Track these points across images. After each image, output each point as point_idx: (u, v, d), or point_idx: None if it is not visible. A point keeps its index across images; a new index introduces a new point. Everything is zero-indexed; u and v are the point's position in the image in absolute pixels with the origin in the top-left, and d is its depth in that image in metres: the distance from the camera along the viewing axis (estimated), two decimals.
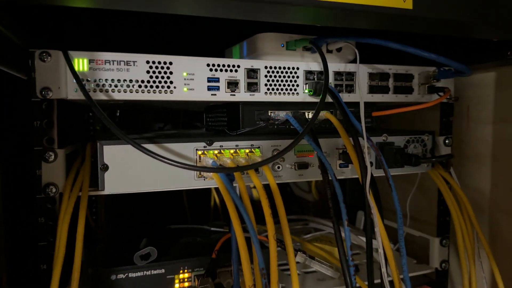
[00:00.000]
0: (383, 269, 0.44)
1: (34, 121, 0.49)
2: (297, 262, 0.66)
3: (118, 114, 0.98)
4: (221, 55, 0.70)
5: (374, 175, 0.59)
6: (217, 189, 1.03)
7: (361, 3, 0.40)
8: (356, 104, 0.56)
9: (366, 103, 0.62)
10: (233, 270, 0.49)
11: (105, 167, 0.49)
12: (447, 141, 0.69)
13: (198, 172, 0.52)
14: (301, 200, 1.18)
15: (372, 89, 0.62)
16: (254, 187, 0.84)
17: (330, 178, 0.52)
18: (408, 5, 0.42)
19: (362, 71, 0.62)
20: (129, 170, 0.50)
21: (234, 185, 0.49)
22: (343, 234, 0.47)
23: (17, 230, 0.54)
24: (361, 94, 0.59)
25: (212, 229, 0.76)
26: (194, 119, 1.02)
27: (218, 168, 0.46)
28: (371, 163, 0.60)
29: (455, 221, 0.65)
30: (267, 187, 0.49)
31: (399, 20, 0.45)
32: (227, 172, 0.46)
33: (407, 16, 0.42)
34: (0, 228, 0.36)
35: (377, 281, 0.52)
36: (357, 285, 0.60)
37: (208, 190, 1.05)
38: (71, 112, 0.68)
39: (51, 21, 0.59)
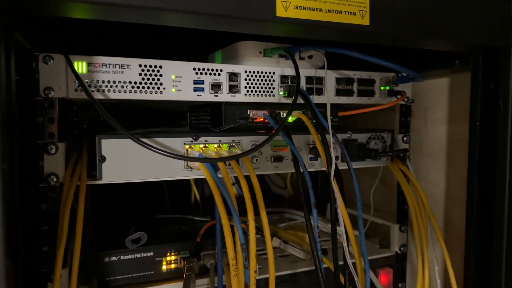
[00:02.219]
0: (345, 244, 0.52)
1: (37, 118, 0.55)
2: (274, 247, 0.74)
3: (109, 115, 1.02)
4: (205, 59, 0.77)
5: (340, 167, 0.67)
6: (197, 185, 1.10)
7: (326, 20, 0.48)
8: (325, 105, 0.64)
9: (333, 105, 0.70)
10: (217, 249, 0.56)
11: (103, 159, 0.55)
12: (405, 138, 0.78)
13: (185, 164, 0.59)
14: (277, 196, 1.26)
15: (339, 92, 0.70)
16: (234, 184, 0.91)
17: (301, 170, 0.60)
18: (366, 21, 0.50)
19: (330, 76, 0.70)
20: (124, 161, 0.56)
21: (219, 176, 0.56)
22: (312, 222, 0.54)
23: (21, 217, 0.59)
24: (328, 97, 0.67)
25: (196, 218, 0.83)
26: (177, 118, 1.07)
27: (204, 158, 0.53)
28: (337, 157, 0.69)
29: (411, 210, 0.74)
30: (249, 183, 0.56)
31: (359, 34, 0.53)
32: (212, 162, 0.53)
33: (365, 31, 0.50)
34: (16, 215, 0.41)
35: (342, 262, 0.60)
36: (324, 264, 0.68)
37: (189, 186, 1.11)
38: (65, 111, 0.74)
39: (54, 27, 0.64)
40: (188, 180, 1.09)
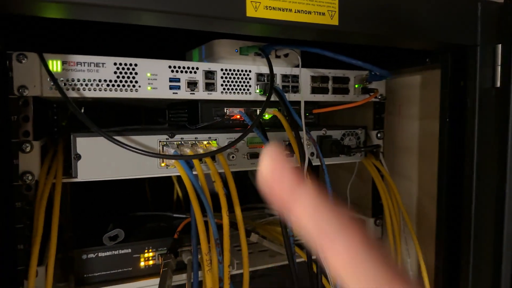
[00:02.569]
0: None
1: (11, 116, 0.55)
2: (252, 243, 0.75)
3: (82, 111, 1.02)
4: (182, 57, 0.78)
5: (315, 164, 0.69)
6: (179, 183, 1.10)
7: (296, 20, 0.49)
8: (300, 103, 0.65)
9: (309, 102, 0.72)
10: (192, 244, 0.57)
11: (78, 157, 0.55)
12: (379, 135, 0.80)
13: (161, 161, 0.59)
14: (259, 192, 1.28)
15: (314, 90, 0.72)
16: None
17: None
18: (335, 21, 0.51)
19: (305, 74, 0.71)
20: (100, 159, 0.56)
21: (194, 173, 0.57)
22: None
23: None
24: (302, 94, 0.68)
25: (175, 215, 0.83)
26: (156, 115, 1.08)
27: (178, 156, 0.54)
28: (313, 153, 0.70)
29: (384, 204, 0.76)
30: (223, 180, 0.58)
31: (329, 34, 0.54)
32: (186, 159, 0.54)
33: (334, 30, 0.52)
34: None
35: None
36: (300, 258, 0.70)
37: (171, 184, 1.11)
38: (41, 108, 0.74)
39: (27, 26, 0.64)
40: (170, 177, 1.09)
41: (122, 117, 1.11)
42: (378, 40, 0.62)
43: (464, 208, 0.68)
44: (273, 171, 0.22)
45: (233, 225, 0.62)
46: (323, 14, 0.50)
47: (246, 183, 1.26)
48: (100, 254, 0.63)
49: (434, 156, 0.77)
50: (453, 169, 0.70)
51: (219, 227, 0.56)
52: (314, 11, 0.50)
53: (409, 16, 0.59)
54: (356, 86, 0.75)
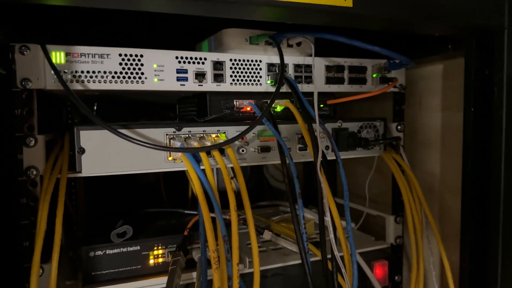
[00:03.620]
0: (331, 235, 0.51)
1: (15, 110, 0.53)
2: (266, 241, 0.73)
3: (95, 107, 1.02)
4: (192, 49, 0.75)
5: (329, 157, 0.65)
6: None
7: (307, 1, 0.46)
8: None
9: (323, 93, 0.68)
10: (200, 241, 0.55)
11: (82, 150, 0.53)
12: (399, 127, 0.76)
13: (168, 155, 0.57)
14: (275, 189, 1.25)
15: (329, 80, 0.68)
16: (233, 177, 0.90)
17: (287, 161, 0.58)
18: (349, 3, 0.48)
19: (320, 64, 0.68)
20: (104, 153, 0.55)
21: (201, 168, 0.54)
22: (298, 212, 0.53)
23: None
24: (315, 85, 0.65)
25: (186, 212, 0.81)
26: (169, 111, 1.06)
27: (184, 148, 0.52)
28: (328, 147, 0.67)
29: (405, 200, 0.72)
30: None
31: (342, 17, 0.51)
32: (192, 152, 0.51)
33: (348, 13, 0.48)
34: None
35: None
36: (315, 256, 0.66)
37: (186, 181, 1.09)
38: (51, 104, 0.73)
39: (29, 16, 0.63)
40: (184, 174, 1.08)
41: (134, 114, 1.10)
42: (395, 25, 0.59)
43: (492, 204, 0.63)
44: None
45: (245, 221, 0.59)
46: None
47: (262, 179, 1.24)
48: (108, 252, 0.62)
49: (457, 149, 0.72)
50: (479, 163, 0.65)
51: (229, 224, 0.53)
52: None
53: None
54: (374, 75, 0.71)
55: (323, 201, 0.52)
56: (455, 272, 0.70)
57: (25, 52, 0.52)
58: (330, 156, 0.66)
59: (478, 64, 0.64)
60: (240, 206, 0.55)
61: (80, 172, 0.54)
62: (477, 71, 0.65)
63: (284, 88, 0.63)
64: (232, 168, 0.63)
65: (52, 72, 0.53)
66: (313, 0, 0.46)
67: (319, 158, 0.54)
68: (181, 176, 1.08)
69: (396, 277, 0.80)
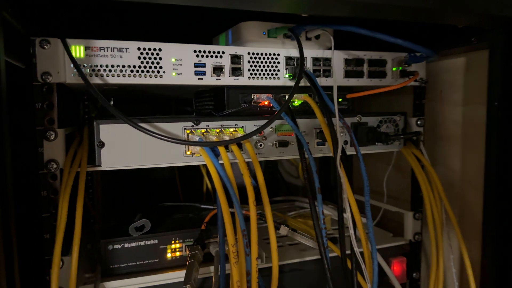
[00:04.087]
0: (351, 231, 0.50)
1: (35, 103, 0.54)
2: (282, 236, 0.72)
3: (112, 102, 1.02)
4: (209, 43, 0.75)
5: (349, 152, 0.64)
6: (209, 174, 1.08)
7: None
8: (333, 88, 0.61)
9: (342, 87, 0.67)
10: (219, 236, 0.55)
11: (101, 144, 0.54)
12: (419, 122, 0.75)
13: (187, 149, 0.57)
14: (290, 184, 1.24)
15: (348, 74, 0.67)
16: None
17: (306, 156, 0.58)
18: None
19: (338, 57, 0.67)
20: (124, 147, 0.55)
21: (220, 162, 0.54)
22: (317, 207, 0.52)
23: (20, 204, 0.59)
24: (335, 78, 0.64)
25: (202, 206, 0.81)
26: (186, 105, 1.06)
27: (203, 142, 0.51)
28: (346, 142, 0.66)
29: (425, 195, 0.71)
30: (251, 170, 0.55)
31: (364, 8, 0.49)
32: (211, 146, 0.51)
33: (370, 3, 0.47)
34: (10, 202, 0.41)
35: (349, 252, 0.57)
36: (334, 253, 0.66)
37: (201, 176, 1.10)
38: (68, 98, 0.73)
39: (48, 9, 0.63)
40: (199, 169, 1.08)
41: (149, 108, 1.10)
42: (420, 15, 0.57)
43: None
44: None
45: (262, 216, 0.59)
46: None
47: (277, 175, 1.23)
48: (126, 245, 0.62)
49: (479, 144, 0.71)
50: (502, 158, 0.64)
51: (247, 218, 0.53)
52: None
53: None
54: (394, 69, 0.70)
55: (342, 196, 0.51)
56: (476, 269, 0.68)
57: (45, 46, 0.53)
58: (349, 151, 0.66)
59: (503, 57, 0.63)
60: (256, 201, 0.55)
61: (100, 166, 0.54)
62: (502, 64, 0.63)
63: (303, 82, 0.62)
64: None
65: (72, 66, 0.53)
66: None
67: (339, 153, 0.53)
68: (196, 170, 1.09)
69: (414, 274, 0.79)
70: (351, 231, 0.50)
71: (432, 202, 0.70)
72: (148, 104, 1.14)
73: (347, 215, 0.52)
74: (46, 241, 0.55)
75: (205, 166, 1.04)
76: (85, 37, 0.55)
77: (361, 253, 0.55)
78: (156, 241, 0.64)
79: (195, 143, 0.51)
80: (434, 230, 0.70)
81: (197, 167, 1.08)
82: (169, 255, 0.65)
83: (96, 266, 0.65)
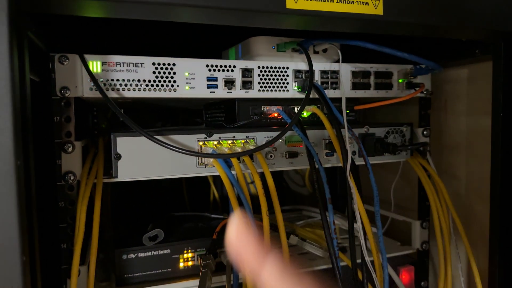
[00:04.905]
0: (362, 241, 0.51)
1: (54, 117, 0.56)
2: (291, 245, 0.73)
3: (122, 112, 1.04)
4: (218, 56, 0.77)
5: (357, 163, 0.66)
6: (216, 183, 1.10)
7: (337, 10, 0.46)
8: (341, 100, 0.63)
9: (349, 99, 0.69)
10: None
11: (118, 156, 0.55)
12: (425, 132, 0.76)
13: (200, 160, 0.58)
14: (296, 193, 1.25)
15: (355, 86, 0.69)
16: (252, 182, 0.91)
17: (316, 166, 0.59)
18: (379, 11, 0.49)
19: (346, 70, 0.68)
20: (140, 159, 0.56)
21: (232, 172, 0.56)
22: (328, 218, 0.53)
23: (39, 214, 0.60)
24: (343, 91, 0.65)
25: (213, 215, 0.83)
26: (194, 116, 1.08)
27: (217, 154, 0.53)
28: (354, 152, 0.67)
29: (432, 205, 0.72)
30: (263, 181, 0.56)
31: (372, 25, 0.51)
32: (225, 158, 0.52)
33: (379, 21, 0.49)
34: (31, 211, 0.42)
35: (359, 261, 0.59)
36: (343, 262, 0.67)
37: (208, 185, 1.11)
38: (83, 111, 0.75)
39: (67, 27, 0.65)
40: (206, 178, 1.09)
41: (159, 118, 1.12)
42: (424, 31, 0.59)
43: None
44: (241, 240, 0.24)
45: (272, 226, 0.60)
46: (367, 3, 0.47)
47: (283, 184, 1.25)
48: (140, 255, 0.64)
49: (484, 154, 0.72)
50: (508, 167, 0.65)
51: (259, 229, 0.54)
52: (357, 1, 0.47)
53: (459, 3, 0.55)
54: (400, 81, 0.71)
55: (353, 207, 0.52)
56: (484, 277, 0.69)
57: (64, 62, 0.54)
58: (357, 161, 0.67)
59: (507, 68, 0.64)
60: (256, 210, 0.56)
61: (117, 177, 0.55)
62: (506, 75, 0.64)
63: (311, 94, 0.64)
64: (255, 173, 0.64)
65: (89, 80, 0.55)
66: (344, 9, 0.46)
67: (349, 164, 0.54)
68: (203, 179, 1.10)
69: (422, 283, 0.80)
70: (362, 241, 0.51)
71: (439, 211, 0.72)
72: (155, 113, 1.15)
73: (357, 225, 0.53)
74: (63, 250, 0.56)
75: (213, 176, 1.05)
76: (101, 52, 0.57)
77: (371, 262, 0.56)
78: (169, 251, 0.65)
79: (210, 155, 0.53)
80: (442, 239, 0.71)
81: (204, 176, 1.09)
82: (181, 264, 0.66)
83: (110, 275, 0.66)
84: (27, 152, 0.41)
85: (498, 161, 0.66)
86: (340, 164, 0.62)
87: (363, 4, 0.48)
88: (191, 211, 1.05)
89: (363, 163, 0.63)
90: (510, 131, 0.64)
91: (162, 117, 1.15)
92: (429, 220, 0.80)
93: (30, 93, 0.44)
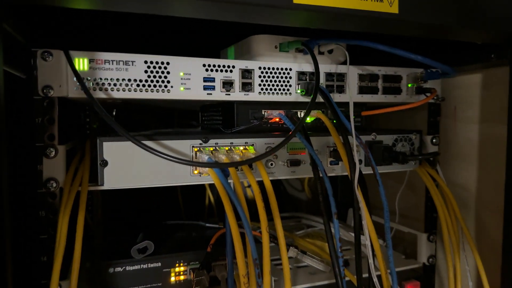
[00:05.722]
0: (370, 260, 0.47)
1: (35, 118, 0.51)
2: (290, 257, 0.69)
3: (114, 113, 0.99)
4: (217, 56, 0.73)
5: (363, 172, 0.61)
6: (211, 188, 1.05)
7: (349, 7, 0.42)
8: (347, 104, 0.58)
9: (356, 103, 0.65)
10: (228, 262, 0.51)
11: (105, 163, 0.51)
12: (434, 140, 0.72)
13: (194, 168, 0.54)
14: (294, 199, 1.21)
15: (362, 90, 0.64)
16: (249, 186, 0.87)
17: (321, 175, 0.54)
18: (394, 9, 0.44)
19: (352, 72, 0.64)
20: (128, 166, 0.52)
21: (229, 181, 0.51)
22: (333, 230, 0.49)
23: (17, 224, 0.56)
24: (350, 95, 0.61)
25: (207, 225, 0.78)
26: (190, 118, 1.03)
27: (213, 164, 0.48)
28: (360, 161, 0.63)
29: (441, 217, 0.68)
30: (261, 185, 0.52)
31: (386, 24, 0.47)
32: (221, 167, 0.48)
33: (393, 19, 0.45)
34: (6, 222, 0.38)
35: (365, 275, 0.54)
36: (346, 277, 0.62)
37: (203, 189, 1.07)
38: (70, 110, 0.70)
39: (52, 20, 0.61)
40: (202, 185, 1.05)
41: (154, 120, 1.07)
42: (439, 32, 0.55)
43: None
44: None
45: (271, 237, 0.56)
46: (381, 0, 0.43)
47: (280, 189, 1.20)
48: (128, 268, 0.59)
49: (496, 163, 0.68)
50: None
51: (256, 240, 0.50)
52: None
53: (476, 3, 0.51)
54: (409, 85, 0.67)
55: (361, 222, 0.48)
56: None
57: (47, 58, 0.50)
58: (364, 171, 0.63)
59: None
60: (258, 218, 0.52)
61: (102, 185, 0.51)
62: None
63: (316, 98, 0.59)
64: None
65: (75, 79, 0.50)
66: (356, 5, 0.42)
67: (357, 175, 0.50)
68: (199, 186, 1.05)
69: None
70: (371, 260, 0.47)
71: (449, 224, 0.67)
72: (150, 115, 1.11)
73: (364, 239, 0.49)
74: (43, 264, 0.52)
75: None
76: (90, 49, 0.52)
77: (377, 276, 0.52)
78: (159, 264, 0.60)
79: (205, 165, 0.48)
80: (452, 253, 0.67)
81: None
82: (172, 278, 0.61)
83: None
84: (1, 157, 0.36)
85: None
86: (346, 173, 0.57)
87: (377, 1, 0.43)
88: (185, 216, 1.01)
89: (369, 172, 0.59)
90: None
91: (156, 119, 1.10)
92: (436, 233, 0.76)
93: (4, 89, 0.39)
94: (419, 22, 0.47)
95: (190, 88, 0.55)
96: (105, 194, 0.96)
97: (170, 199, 1.05)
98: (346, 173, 0.57)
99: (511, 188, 0.62)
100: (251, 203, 0.53)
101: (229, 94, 0.58)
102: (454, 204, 0.68)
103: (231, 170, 0.49)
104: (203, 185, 1.05)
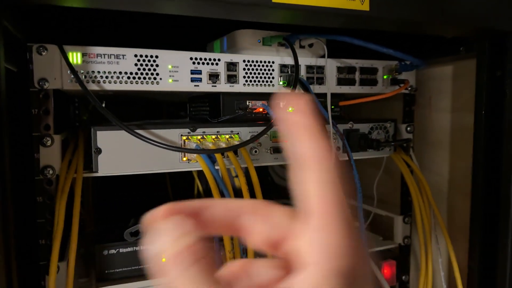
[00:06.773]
0: None
1: (32, 109, 0.54)
2: None
3: (103, 105, 1.02)
4: (203, 49, 0.76)
5: (341, 158, 0.66)
6: (200, 177, 1.09)
7: (323, 5, 0.46)
8: (325, 95, 0.62)
9: (334, 94, 0.69)
10: (215, 241, 0.55)
11: (99, 151, 0.54)
12: (408, 128, 0.77)
13: (183, 155, 0.58)
14: (281, 187, 1.25)
15: (340, 81, 0.69)
16: (236, 176, 0.91)
17: None
18: (366, 7, 0.48)
19: (331, 65, 0.68)
20: (120, 153, 0.55)
21: (216, 167, 0.55)
22: None
23: (16, 209, 0.59)
24: (328, 86, 0.65)
25: None
26: (178, 109, 1.07)
27: (201, 150, 0.52)
28: (339, 148, 0.67)
29: (414, 200, 0.73)
30: (247, 175, 0.55)
31: (359, 20, 0.51)
32: (208, 153, 0.52)
33: (364, 16, 0.49)
34: (9, 210, 0.41)
35: None
36: None
37: (192, 179, 1.10)
38: (63, 102, 0.73)
39: (45, 16, 0.63)
40: (191, 172, 1.08)
41: (142, 111, 1.10)
42: (410, 27, 0.59)
43: (502, 206, 0.64)
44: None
45: None
46: None
47: (267, 178, 1.24)
48: (121, 250, 0.62)
49: (467, 150, 0.72)
50: (489, 164, 0.66)
51: None
52: None
53: (445, 0, 0.55)
54: (385, 77, 0.71)
55: None
56: (464, 272, 0.70)
57: (42, 53, 0.53)
58: (341, 157, 0.67)
59: (490, 66, 0.65)
60: None
61: (97, 172, 0.54)
62: (489, 72, 0.65)
63: (296, 89, 0.63)
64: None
65: (69, 72, 0.53)
66: (331, 4, 0.46)
67: (333, 160, 0.54)
68: (187, 172, 1.09)
69: (404, 277, 0.81)
70: None
71: (421, 207, 0.72)
72: (139, 106, 1.13)
73: None
74: (41, 246, 0.55)
75: (197, 170, 1.04)
76: (82, 43, 0.55)
77: None
78: None
79: (193, 151, 0.52)
80: (423, 233, 0.72)
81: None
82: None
83: (90, 271, 0.65)
84: (2, 145, 0.40)
85: (480, 158, 0.66)
86: None
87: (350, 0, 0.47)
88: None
89: (347, 158, 0.63)
90: (492, 129, 0.65)
91: (146, 110, 1.13)
92: (411, 215, 0.81)
93: (5, 83, 0.42)
94: (389, 18, 0.51)
95: (178, 80, 0.59)
96: (95, 184, 0.99)
97: (160, 190, 1.09)
98: None
99: (478, 173, 0.67)
100: (239, 192, 0.57)
101: (215, 86, 0.61)
102: (427, 189, 0.73)
103: (218, 156, 0.53)
104: (192, 176, 1.08)
